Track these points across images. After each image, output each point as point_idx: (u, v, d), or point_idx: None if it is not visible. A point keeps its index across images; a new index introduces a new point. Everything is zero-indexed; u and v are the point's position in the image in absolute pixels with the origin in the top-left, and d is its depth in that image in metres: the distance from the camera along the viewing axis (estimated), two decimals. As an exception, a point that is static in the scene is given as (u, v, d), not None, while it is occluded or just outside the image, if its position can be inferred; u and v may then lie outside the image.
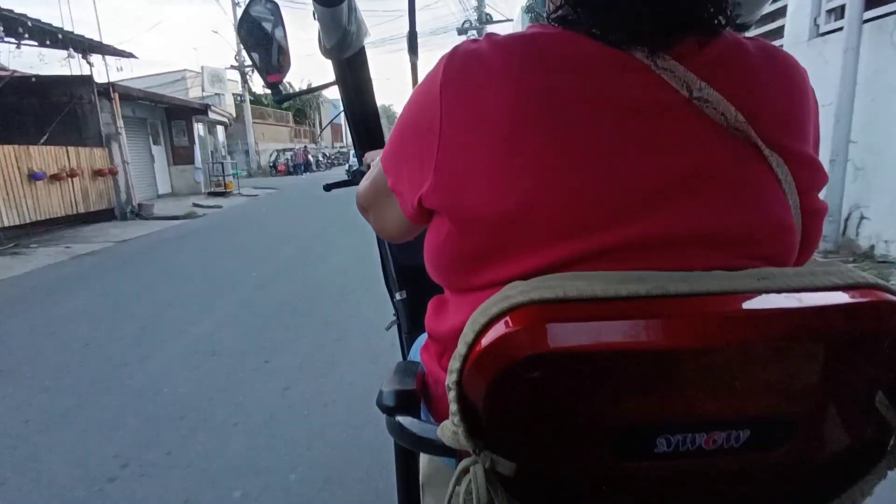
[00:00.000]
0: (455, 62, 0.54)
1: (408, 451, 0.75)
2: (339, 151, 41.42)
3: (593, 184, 0.50)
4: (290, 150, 32.00)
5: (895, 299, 0.45)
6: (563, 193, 0.50)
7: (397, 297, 1.45)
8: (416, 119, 0.57)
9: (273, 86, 1.23)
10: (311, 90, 1.62)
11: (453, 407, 0.46)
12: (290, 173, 29.09)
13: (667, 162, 0.50)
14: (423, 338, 0.91)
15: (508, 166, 0.50)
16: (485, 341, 0.44)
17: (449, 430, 0.48)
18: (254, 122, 31.92)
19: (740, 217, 0.52)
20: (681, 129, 0.51)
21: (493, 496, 0.46)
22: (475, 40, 0.55)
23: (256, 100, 38.98)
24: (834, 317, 0.45)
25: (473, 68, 0.53)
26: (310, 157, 33.16)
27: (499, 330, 0.44)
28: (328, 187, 1.43)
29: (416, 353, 0.88)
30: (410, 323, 1.42)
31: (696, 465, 0.48)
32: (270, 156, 31.21)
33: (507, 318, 0.44)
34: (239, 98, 28.50)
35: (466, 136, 0.52)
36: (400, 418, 0.60)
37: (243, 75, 27.63)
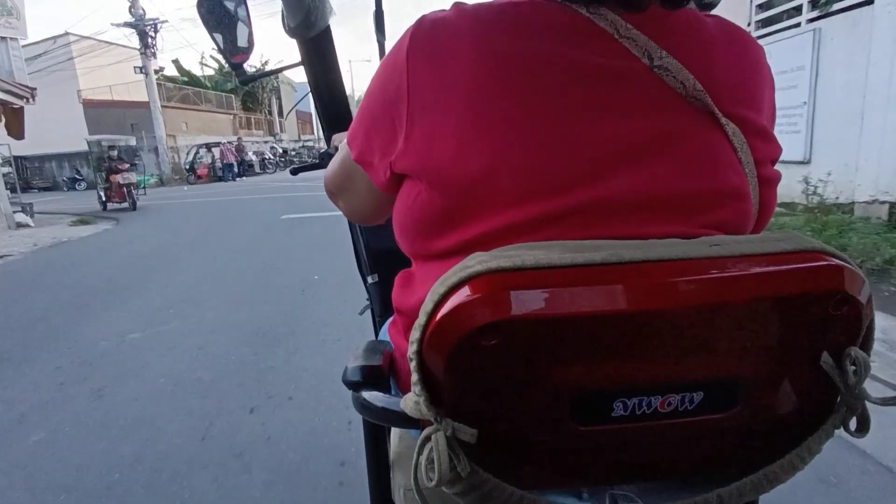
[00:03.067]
0: (422, 29, 0.54)
1: (377, 431, 0.76)
2: (304, 146, 33.31)
3: (555, 148, 0.51)
4: (216, 144, 23.48)
5: (840, 263, 0.47)
6: (526, 157, 0.51)
7: (370, 280, 1.45)
8: (383, 89, 0.58)
9: (237, 66, 1.21)
10: (276, 70, 1.60)
11: (415, 377, 0.47)
12: (217, 178, 22.36)
13: (627, 128, 0.52)
14: (392, 318, 0.92)
15: (474, 130, 0.51)
16: (444, 310, 0.45)
17: (411, 400, 0.49)
18: (170, 108, 24.51)
19: (697, 183, 0.53)
20: (641, 96, 0.52)
21: (455, 463, 0.47)
22: (441, 10, 0.55)
23: (191, 77, 30.80)
24: (782, 281, 0.46)
25: (440, 34, 0.54)
26: (250, 154, 25.54)
27: (458, 298, 0.44)
28: (295, 171, 1.42)
29: (384, 334, 0.89)
30: (382, 306, 1.43)
31: (651, 427, 0.49)
32: (187, 154, 23.89)
33: (466, 286, 0.45)
34: (139, 71, 21.09)
35: (434, 100, 0.53)
36: (363, 393, 0.60)
37: (144, 36, 20.41)
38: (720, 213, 0.55)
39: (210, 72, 32.32)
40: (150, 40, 20.49)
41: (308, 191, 12.69)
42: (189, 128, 26.06)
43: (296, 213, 9.75)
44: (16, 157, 25.03)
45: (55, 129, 23.24)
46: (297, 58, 1.29)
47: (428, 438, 0.47)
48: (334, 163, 0.77)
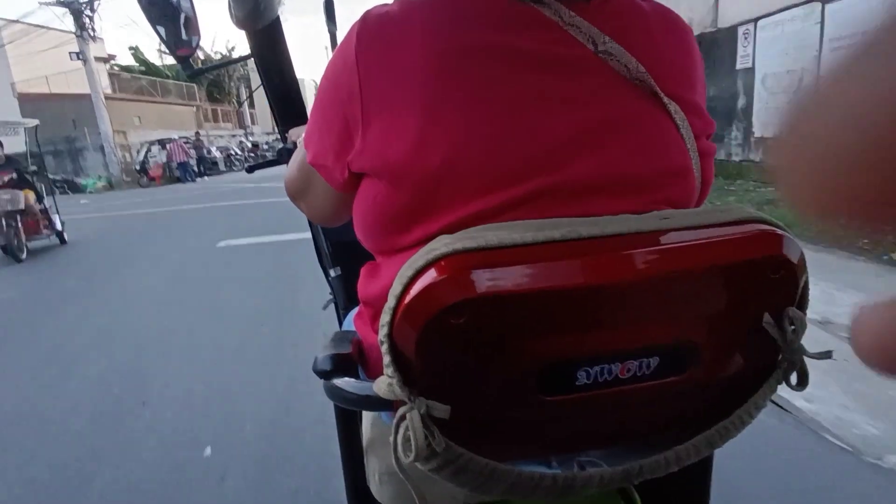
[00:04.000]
0: (368, 26, 0.54)
1: (349, 417, 0.76)
2: (278, 138, 30.80)
3: (512, 138, 0.52)
4: (168, 140, 20.41)
5: (778, 231, 0.51)
6: (485, 149, 0.52)
7: (332, 273, 1.43)
8: (334, 89, 0.57)
9: (183, 60, 1.16)
10: (224, 63, 1.53)
11: (386, 359, 0.48)
12: (175, 179, 19.48)
13: (579, 114, 0.54)
14: (357, 310, 0.92)
15: (431, 124, 0.52)
16: (412, 292, 0.46)
17: (384, 382, 0.50)
18: (119, 99, 21.21)
19: (646, 164, 0.56)
20: (589, 82, 0.55)
21: (430, 440, 0.48)
22: (385, 4, 0.56)
23: (148, 66, 27.42)
24: (726, 249, 0.50)
25: (388, 29, 0.54)
26: (214, 150, 22.79)
27: (425, 280, 0.46)
28: (251, 169, 1.39)
29: (349, 325, 0.88)
30: (346, 298, 1.41)
31: (613, 393, 0.52)
32: (138, 151, 20.85)
33: (433, 268, 0.46)
34: (76, 57, 17.72)
35: (387, 97, 0.53)
36: (335, 380, 0.61)
37: (79, 16, 17.40)
38: (668, 190, 0.58)
39: (171, 60, 29.72)
40: (86, 21, 17.62)
41: (268, 196, 10.67)
42: (144, 122, 22.76)
43: (241, 235, 6.77)
44: None
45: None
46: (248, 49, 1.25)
47: (403, 418, 0.49)
48: (293, 164, 0.75)
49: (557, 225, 0.49)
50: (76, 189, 18.92)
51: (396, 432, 0.49)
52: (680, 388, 0.54)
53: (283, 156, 1.18)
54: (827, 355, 0.53)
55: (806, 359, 0.54)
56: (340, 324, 1.43)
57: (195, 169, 20.34)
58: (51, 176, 20.03)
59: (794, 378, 0.56)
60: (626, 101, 0.55)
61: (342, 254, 1.41)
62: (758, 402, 0.58)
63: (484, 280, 0.45)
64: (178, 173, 19.70)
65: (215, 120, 29.72)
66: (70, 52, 17.97)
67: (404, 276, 0.47)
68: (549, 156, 0.53)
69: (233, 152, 24.29)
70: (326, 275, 1.47)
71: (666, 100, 0.56)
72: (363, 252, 0.67)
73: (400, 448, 0.49)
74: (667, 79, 0.57)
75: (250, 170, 1.38)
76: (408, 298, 0.46)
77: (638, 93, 0.56)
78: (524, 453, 0.59)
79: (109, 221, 10.52)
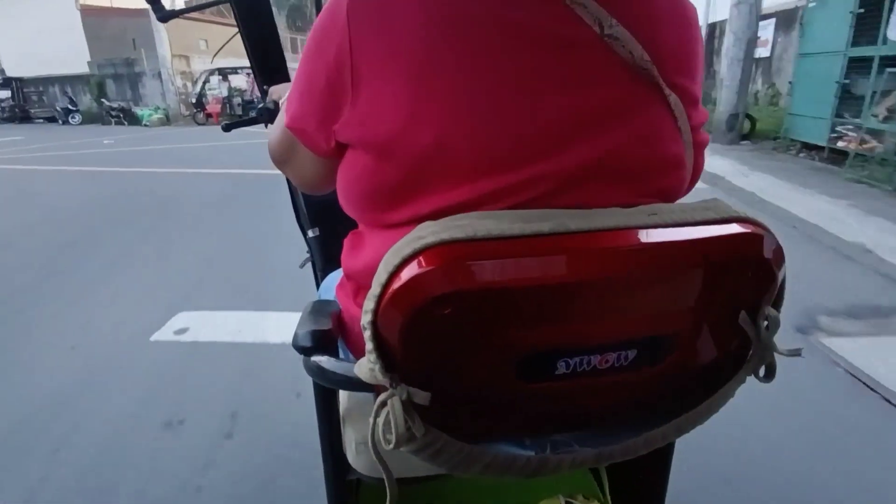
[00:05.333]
0: None
1: (326, 388, 0.74)
2: None
3: (508, 119, 0.51)
4: (234, 70, 16.92)
5: (761, 231, 0.51)
6: (479, 128, 0.51)
7: (310, 234, 1.40)
8: (321, 52, 0.54)
9: (154, 2, 1.09)
10: (197, 7, 1.38)
11: (369, 345, 0.48)
12: (237, 119, 6.16)
13: (578, 100, 0.52)
14: (336, 276, 0.91)
15: (425, 98, 0.50)
16: (398, 281, 0.46)
17: (366, 367, 0.50)
18: (182, 18, 12.74)
19: (643, 154, 0.56)
20: (591, 65, 0.53)
21: (410, 424, 0.49)
22: None
23: None
24: (710, 247, 0.50)
25: None
26: None
27: (412, 270, 0.45)
28: (227, 127, 1.31)
29: (327, 292, 0.89)
30: (324, 260, 1.39)
31: (591, 382, 0.53)
32: (195, 83, 18.16)
33: (420, 258, 0.46)
34: None
35: (380, 66, 0.51)
36: (317, 358, 0.61)
37: None
38: (662, 180, 0.58)
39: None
40: None
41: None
42: (211, 47, 19.44)
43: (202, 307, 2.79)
44: (12, 80, 20.54)
45: (52, 44, 18.91)
46: None
47: (384, 403, 0.49)
48: (276, 128, 0.72)
49: (546, 217, 0.49)
50: (133, 120, 17.53)
51: (377, 416, 0.50)
52: (655, 379, 0.56)
53: (263, 115, 1.13)
54: (797, 353, 0.55)
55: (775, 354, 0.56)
56: (318, 284, 1.40)
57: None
58: (108, 103, 18.09)
59: (762, 371, 0.58)
60: (626, 87, 0.54)
61: (321, 214, 1.38)
62: (726, 393, 0.60)
63: (471, 272, 0.45)
64: (240, 111, 16.45)
65: (294, 51, 25.64)
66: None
67: (390, 263, 0.47)
68: (543, 139, 0.52)
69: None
70: (305, 234, 1.43)
71: (667, 90, 0.55)
72: (342, 213, 0.65)
73: (380, 431, 0.50)
74: (669, 68, 0.56)
75: (227, 128, 1.30)
76: (393, 287, 0.46)
77: (639, 80, 0.54)
78: (502, 436, 0.60)
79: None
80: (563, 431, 0.61)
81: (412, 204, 0.54)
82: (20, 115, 20.05)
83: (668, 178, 0.58)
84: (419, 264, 0.45)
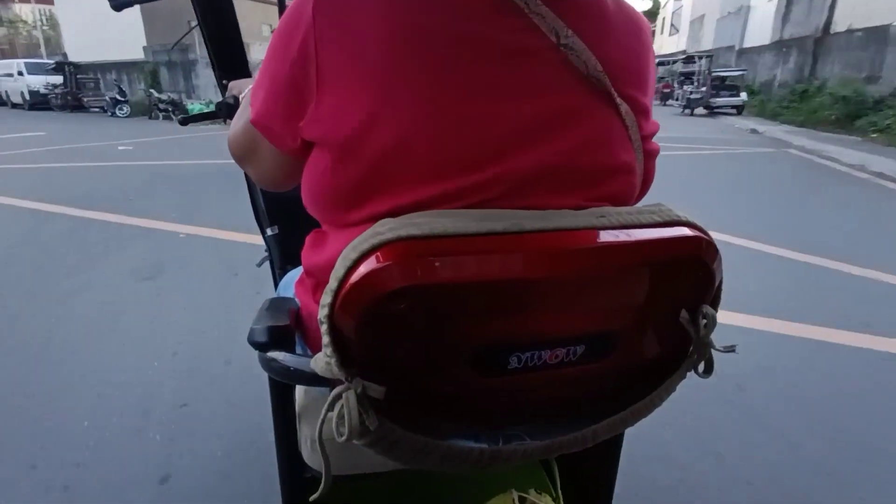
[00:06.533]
0: None
1: (283, 384, 0.73)
2: None
3: (466, 125, 0.53)
4: None
5: (702, 235, 0.54)
6: (438, 133, 0.52)
7: (269, 232, 1.39)
8: (286, 48, 0.55)
9: None
10: None
11: (326, 339, 0.49)
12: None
13: (533, 106, 0.55)
14: (295, 274, 0.92)
15: (386, 103, 0.52)
16: (355, 276, 0.47)
17: (322, 361, 0.50)
18: None
19: (594, 160, 0.58)
20: (546, 74, 0.55)
21: (364, 418, 0.50)
22: None
23: None
24: (654, 249, 0.53)
25: None
26: None
27: (369, 265, 0.47)
28: (185, 121, 1.28)
29: (285, 289, 0.89)
30: (283, 258, 1.38)
31: (542, 376, 0.55)
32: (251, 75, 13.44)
33: (378, 253, 0.47)
34: None
35: (344, 68, 0.52)
36: (273, 354, 0.61)
37: None
38: (612, 185, 0.60)
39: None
40: None
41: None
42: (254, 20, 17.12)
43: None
44: (68, 64, 18.81)
45: (111, 26, 16.43)
46: None
47: (339, 397, 0.50)
48: (237, 124, 0.71)
49: (501, 217, 0.51)
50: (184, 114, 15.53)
51: (331, 409, 0.50)
52: (602, 373, 0.59)
53: (222, 110, 1.10)
54: (731, 349, 0.59)
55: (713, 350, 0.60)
56: (276, 283, 1.39)
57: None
58: (157, 95, 15.87)
59: (701, 367, 0.61)
60: (578, 96, 0.56)
61: (280, 212, 1.36)
62: (669, 387, 0.63)
63: (427, 269, 0.46)
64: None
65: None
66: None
67: (347, 258, 0.47)
68: (498, 143, 0.54)
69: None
70: (263, 232, 1.41)
71: (618, 100, 0.58)
72: (302, 211, 0.65)
73: (334, 424, 0.50)
74: (621, 79, 0.58)
75: (184, 122, 1.27)
76: (350, 281, 0.47)
77: (592, 90, 0.57)
78: (455, 429, 0.62)
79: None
80: (514, 424, 0.63)
81: (372, 203, 0.55)
82: (72, 102, 18.68)
83: (617, 183, 0.61)
84: (377, 259, 0.47)
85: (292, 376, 0.60)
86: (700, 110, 17.07)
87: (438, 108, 0.52)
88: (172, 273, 3.37)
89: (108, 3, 1.13)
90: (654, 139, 0.68)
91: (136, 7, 1.20)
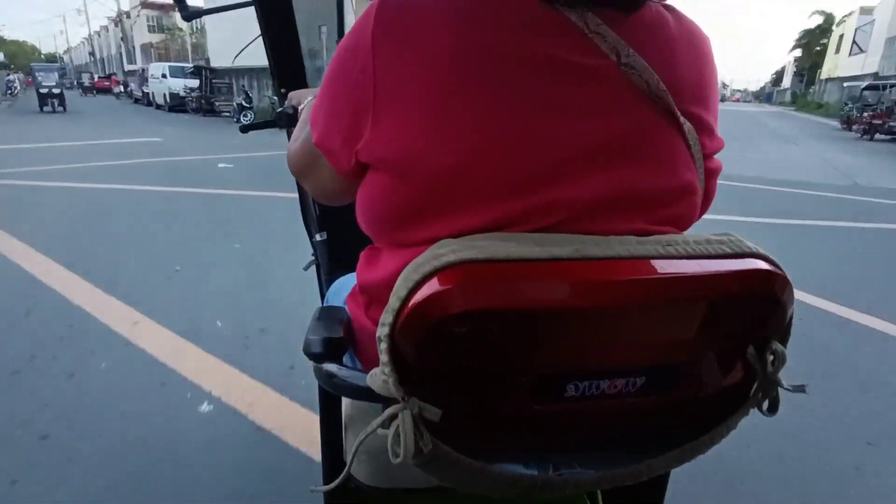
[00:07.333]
0: (387, 11, 0.53)
1: (332, 394, 0.73)
2: None
3: (528, 146, 0.52)
4: None
5: (772, 269, 0.52)
6: (500, 154, 0.52)
7: (317, 237, 1.40)
8: (346, 71, 0.56)
9: (180, 1, 1.12)
10: (224, 8, 1.37)
11: (384, 357, 0.49)
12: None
13: (596, 127, 0.54)
14: (344, 282, 0.93)
15: (447, 123, 0.51)
16: (417, 297, 0.47)
17: (379, 378, 0.50)
18: None
19: (658, 182, 0.57)
20: (609, 94, 0.54)
21: (419, 439, 0.50)
22: None
23: None
24: (722, 282, 0.51)
25: (407, 18, 0.52)
26: None
27: (431, 287, 0.46)
28: (245, 129, 1.31)
29: (335, 298, 0.89)
30: (331, 265, 1.38)
31: (599, 406, 0.54)
32: None
33: (439, 275, 0.47)
34: None
35: (403, 89, 0.52)
36: (328, 366, 0.62)
37: None
38: (676, 207, 0.59)
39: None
40: None
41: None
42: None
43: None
44: (204, 68, 19.67)
45: (250, 33, 16.18)
46: None
47: (394, 416, 0.49)
48: (296, 141, 0.72)
49: (564, 242, 0.50)
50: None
51: (385, 427, 0.50)
52: (661, 406, 0.57)
53: (282, 119, 1.13)
54: (801, 389, 0.56)
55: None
56: (321, 288, 1.42)
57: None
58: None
59: (765, 405, 0.58)
60: (641, 116, 0.55)
61: (331, 219, 1.37)
62: (730, 425, 0.61)
63: (489, 293, 0.46)
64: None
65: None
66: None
67: (410, 279, 0.47)
68: (560, 167, 0.53)
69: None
70: (311, 237, 1.42)
71: (682, 119, 0.57)
72: (351, 219, 0.65)
73: (389, 445, 0.50)
74: (684, 97, 0.57)
75: (244, 129, 1.30)
76: (412, 302, 0.47)
77: (654, 109, 0.56)
78: (508, 455, 0.61)
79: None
80: (568, 453, 0.62)
81: (430, 225, 0.55)
82: (205, 106, 19.35)
83: (680, 205, 0.60)
84: (439, 282, 0.46)
85: (346, 390, 0.61)
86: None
87: (497, 128, 0.52)
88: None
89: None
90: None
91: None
